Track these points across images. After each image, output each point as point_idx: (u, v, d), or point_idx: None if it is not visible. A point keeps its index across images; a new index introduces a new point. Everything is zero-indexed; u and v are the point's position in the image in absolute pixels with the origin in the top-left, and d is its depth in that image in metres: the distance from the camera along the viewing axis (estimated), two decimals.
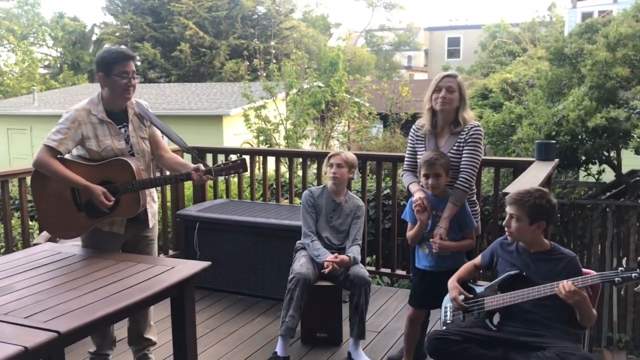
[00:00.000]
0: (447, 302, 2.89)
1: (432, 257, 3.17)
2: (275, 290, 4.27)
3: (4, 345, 1.86)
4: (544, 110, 7.01)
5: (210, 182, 5.56)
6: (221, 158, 5.31)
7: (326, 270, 3.50)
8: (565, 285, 2.44)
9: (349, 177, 3.81)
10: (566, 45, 7.57)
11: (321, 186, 3.91)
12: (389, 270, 4.87)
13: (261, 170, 5.56)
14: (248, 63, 16.44)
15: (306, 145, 12.08)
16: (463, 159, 3.17)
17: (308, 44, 23.49)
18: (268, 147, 10.94)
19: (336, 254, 3.58)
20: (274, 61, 13.18)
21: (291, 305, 3.47)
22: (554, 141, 5.05)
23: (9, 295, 2.31)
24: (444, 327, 2.83)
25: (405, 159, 3.42)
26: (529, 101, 8.09)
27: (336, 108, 13.21)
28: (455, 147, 3.19)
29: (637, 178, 7.43)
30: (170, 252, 5.13)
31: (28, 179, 4.22)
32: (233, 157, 5.25)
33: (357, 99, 13.57)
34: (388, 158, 5.43)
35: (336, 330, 3.76)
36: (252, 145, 11.48)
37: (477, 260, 2.92)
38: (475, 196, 3.37)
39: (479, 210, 3.41)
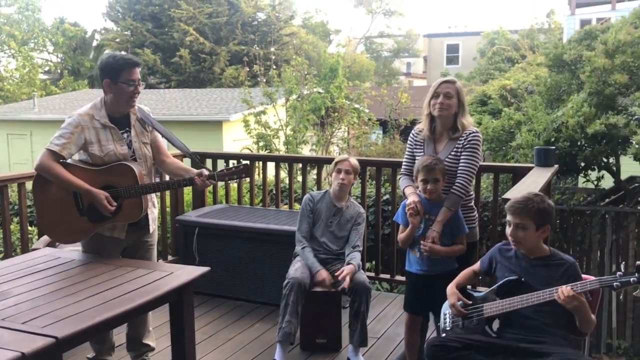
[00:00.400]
0: (445, 309, 2.88)
1: (422, 260, 3.17)
2: (274, 296, 4.25)
3: (1, 351, 1.85)
4: (543, 117, 7.01)
5: (209, 188, 5.55)
6: (221, 163, 5.31)
7: (346, 286, 3.48)
8: (564, 291, 2.43)
9: (353, 183, 3.83)
10: (565, 51, 7.58)
11: (323, 191, 3.91)
12: (388, 276, 4.86)
13: (261, 175, 5.56)
14: (248, 69, 16.45)
15: (306, 151, 12.09)
16: (460, 164, 3.17)
17: (308, 50, 23.49)
18: (268, 152, 10.94)
19: (343, 269, 3.53)
20: (274, 67, 13.17)
21: (287, 311, 3.47)
22: (553, 147, 5.05)
23: (7, 301, 2.31)
24: (443, 334, 2.83)
25: (404, 163, 3.43)
26: (528, 107, 8.10)
27: (336, 114, 13.22)
28: (453, 153, 3.20)
29: (636, 184, 7.43)
30: (170, 257, 5.13)
31: (27, 184, 4.22)
32: (234, 162, 5.25)
33: (356, 105, 13.58)
34: (387, 164, 5.43)
35: (336, 336, 3.75)
36: (251, 151, 11.49)
37: (476, 266, 2.92)
38: (472, 202, 3.37)
39: (477, 216, 3.41)
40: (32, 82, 24.41)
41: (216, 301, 4.51)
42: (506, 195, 2.98)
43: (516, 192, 2.95)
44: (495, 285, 2.72)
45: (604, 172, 7.14)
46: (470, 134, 3.19)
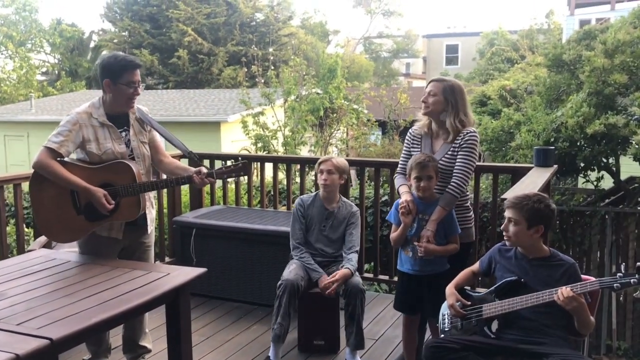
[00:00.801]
0: (444, 310, 2.86)
1: (414, 260, 3.16)
2: (271, 297, 4.19)
3: None
4: (542, 117, 7.00)
5: (207, 189, 5.53)
6: (219, 164, 5.28)
7: (332, 292, 3.44)
8: (563, 292, 2.42)
9: (340, 183, 3.74)
10: (564, 51, 7.57)
11: (313, 194, 3.85)
12: (387, 277, 4.84)
13: (259, 176, 5.54)
14: (246, 70, 16.45)
15: (304, 152, 12.06)
16: (456, 164, 3.16)
17: (306, 51, 23.48)
18: (266, 153, 10.92)
19: (336, 273, 3.50)
20: (272, 68, 13.14)
21: (279, 313, 3.45)
22: (553, 147, 5.03)
23: (2, 302, 2.29)
24: (442, 335, 2.81)
25: (400, 162, 3.41)
26: (528, 108, 8.08)
27: (334, 115, 13.19)
28: (450, 152, 3.18)
29: (636, 185, 7.42)
30: (167, 258, 5.10)
31: (23, 185, 4.20)
32: (232, 162, 5.22)
33: (355, 106, 13.56)
34: (386, 164, 5.40)
35: (333, 337, 3.72)
36: (249, 152, 11.46)
37: (475, 266, 2.90)
38: (469, 202, 3.35)
39: (473, 216, 3.39)
40: (29, 83, 24.37)
41: (213, 303, 4.49)
42: (505, 196, 2.95)
43: (515, 192, 2.93)
44: (494, 286, 2.70)
45: (603, 172, 7.13)
46: (467, 133, 3.17)
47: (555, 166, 4.18)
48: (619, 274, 2.40)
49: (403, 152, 3.41)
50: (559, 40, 19.12)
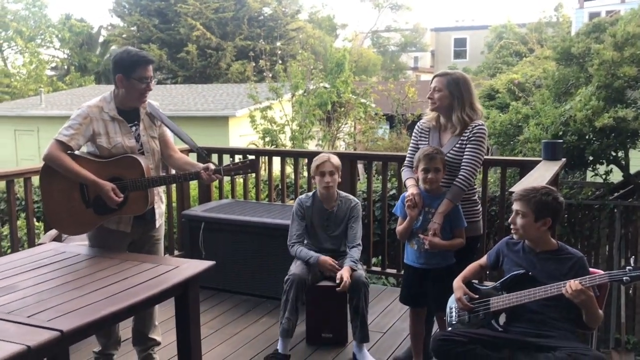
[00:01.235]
0: (452, 303, 2.87)
1: (420, 253, 3.17)
2: (280, 290, 4.22)
3: (7, 344, 1.85)
4: (550, 110, 6.96)
5: (215, 183, 5.55)
6: (227, 158, 5.30)
7: (344, 288, 3.42)
8: (572, 285, 2.41)
9: (338, 181, 3.70)
10: (573, 44, 7.51)
11: (310, 194, 3.78)
12: (394, 271, 4.85)
13: (267, 170, 5.56)
14: (254, 64, 16.42)
15: (312, 146, 12.06)
16: (464, 156, 3.15)
17: (314, 45, 23.43)
18: (274, 147, 10.93)
19: (341, 274, 3.45)
20: (280, 62, 13.13)
21: (287, 307, 3.47)
22: (561, 141, 5.01)
23: (13, 294, 2.31)
24: (449, 328, 2.81)
25: (407, 155, 3.40)
26: (536, 101, 8.04)
27: (342, 109, 13.18)
28: (458, 145, 3.18)
29: None
30: (176, 252, 5.13)
31: (33, 179, 4.23)
32: (240, 157, 5.25)
33: (363, 100, 13.53)
34: (394, 158, 5.40)
35: (341, 330, 3.74)
36: (257, 146, 11.47)
37: (483, 260, 2.90)
38: (476, 195, 3.35)
39: (481, 209, 3.39)
40: (39, 78, 24.48)
41: (222, 296, 4.52)
42: (513, 189, 2.95)
43: (523, 186, 2.93)
44: (502, 279, 2.70)
45: (612, 166, 7.09)
46: (475, 126, 3.16)
47: (564, 160, 4.17)
48: (628, 267, 2.40)
49: (411, 145, 3.41)
50: (568, 33, 18.99)
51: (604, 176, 7.13)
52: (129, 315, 2.88)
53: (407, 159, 3.40)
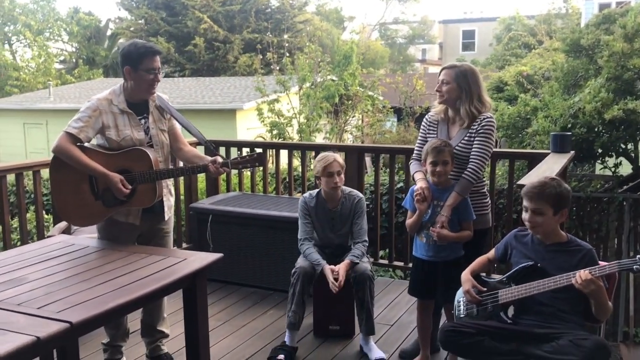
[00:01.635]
0: (459, 296, 2.86)
1: (429, 246, 3.16)
2: (287, 282, 4.23)
3: (17, 335, 1.87)
4: (559, 103, 6.92)
5: (223, 176, 5.57)
6: (234, 152, 5.31)
7: (334, 288, 3.38)
8: (581, 275, 2.40)
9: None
10: (582, 36, 7.46)
11: (314, 193, 3.74)
12: (402, 264, 4.85)
13: (274, 163, 5.56)
14: (261, 57, 16.42)
15: (319, 139, 12.06)
16: (473, 149, 3.13)
17: (321, 38, 23.38)
18: (281, 140, 10.93)
19: (336, 274, 3.40)
20: (288, 55, 13.13)
21: (293, 300, 3.48)
22: (570, 133, 4.99)
23: (22, 286, 2.33)
24: (457, 321, 2.81)
25: (415, 148, 3.39)
26: (545, 93, 8.00)
27: (350, 102, 13.16)
28: (466, 138, 3.16)
29: None
30: (184, 244, 5.15)
31: (42, 172, 4.26)
32: (247, 150, 5.25)
33: (370, 93, 13.50)
34: (401, 151, 5.38)
35: (349, 323, 3.75)
36: (265, 139, 11.48)
37: (491, 253, 2.89)
38: (485, 188, 3.33)
39: (489, 202, 3.38)
40: (47, 72, 24.59)
41: (230, 288, 4.54)
42: (521, 182, 2.94)
43: (531, 178, 2.91)
44: (510, 271, 2.69)
45: (621, 158, 7.05)
46: (484, 119, 3.14)
47: (572, 152, 4.14)
48: (638, 256, 2.39)
49: (419, 138, 3.40)
50: (577, 24, 18.83)
51: (613, 169, 7.08)
52: (138, 307, 2.90)
53: (415, 151, 3.39)
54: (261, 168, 5.54)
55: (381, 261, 5.01)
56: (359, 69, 13.10)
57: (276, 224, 4.36)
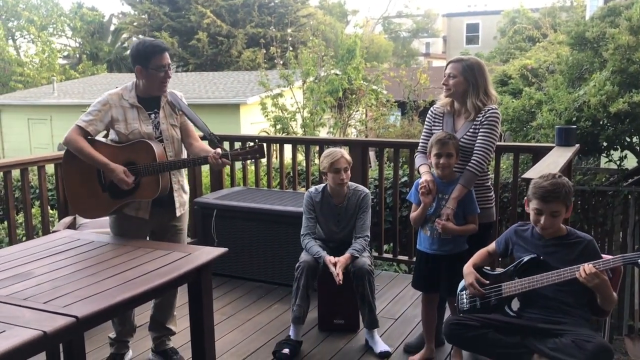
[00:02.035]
0: (461, 288, 2.86)
1: (433, 239, 3.17)
2: (291, 276, 4.24)
3: (23, 330, 1.88)
4: (564, 96, 6.88)
5: (227, 170, 5.58)
6: (238, 146, 5.31)
7: (340, 281, 3.39)
8: (585, 268, 2.40)
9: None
10: (587, 29, 7.41)
11: (320, 188, 3.72)
12: (406, 258, 4.85)
13: (278, 158, 5.57)
14: (265, 51, 16.42)
15: (323, 134, 12.06)
16: (477, 141, 3.13)
17: (325, 32, 23.28)
18: (285, 135, 10.93)
19: (337, 267, 3.40)
20: (291, 49, 13.11)
21: (298, 294, 3.49)
22: (574, 127, 4.97)
23: (29, 281, 2.34)
24: (461, 314, 2.81)
25: (421, 141, 3.39)
26: (549, 87, 7.96)
27: (353, 96, 13.14)
28: (471, 130, 3.16)
29: None
30: (189, 239, 5.15)
31: (47, 167, 4.28)
32: (250, 144, 5.25)
33: (374, 87, 13.48)
34: (405, 145, 5.38)
35: (353, 317, 3.76)
36: (268, 134, 11.48)
37: (491, 247, 2.89)
38: (489, 182, 3.33)
39: (494, 196, 3.37)
40: (51, 67, 24.63)
41: (235, 282, 4.55)
42: (526, 176, 2.93)
43: (536, 172, 2.90)
44: (513, 264, 2.69)
45: (626, 151, 7.01)
46: (488, 110, 3.14)
47: (577, 145, 4.13)
48: None
49: (424, 130, 3.39)
50: (582, 17, 18.71)
51: (618, 162, 7.05)
52: (143, 302, 2.90)
53: (420, 144, 3.38)
54: (265, 162, 5.54)
55: (385, 255, 5.01)
56: (362, 63, 13.08)
57: (280, 218, 4.36)
